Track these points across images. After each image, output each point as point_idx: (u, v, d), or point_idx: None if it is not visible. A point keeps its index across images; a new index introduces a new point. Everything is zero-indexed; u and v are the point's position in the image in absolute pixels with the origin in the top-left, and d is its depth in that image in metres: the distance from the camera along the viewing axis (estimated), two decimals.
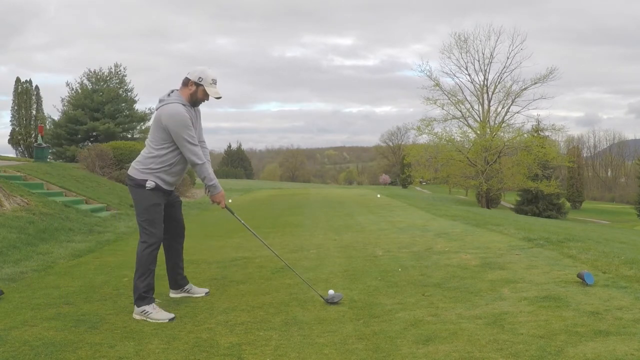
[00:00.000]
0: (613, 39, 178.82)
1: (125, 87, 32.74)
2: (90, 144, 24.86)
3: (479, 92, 38.53)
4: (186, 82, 3.84)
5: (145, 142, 3.88)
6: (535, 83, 36.02)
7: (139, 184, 3.78)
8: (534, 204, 37.47)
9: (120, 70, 32.75)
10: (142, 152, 3.88)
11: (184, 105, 3.78)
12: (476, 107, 38.83)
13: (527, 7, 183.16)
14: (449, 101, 37.76)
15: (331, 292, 3.94)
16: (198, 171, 3.82)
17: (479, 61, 37.98)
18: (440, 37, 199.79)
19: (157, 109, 3.81)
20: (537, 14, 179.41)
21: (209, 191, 3.90)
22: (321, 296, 3.92)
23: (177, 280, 4.18)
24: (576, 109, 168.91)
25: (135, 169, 3.84)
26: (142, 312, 3.60)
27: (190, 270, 5.34)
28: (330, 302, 3.80)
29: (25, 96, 35.49)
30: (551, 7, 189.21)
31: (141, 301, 3.64)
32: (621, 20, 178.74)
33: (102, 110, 30.27)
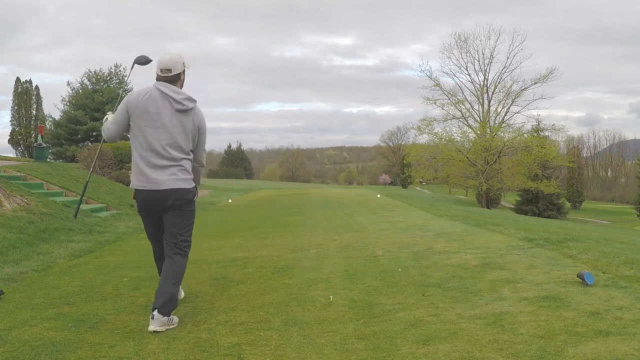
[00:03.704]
0: (614, 38, 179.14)
1: (125, 87, 32.78)
2: (90, 144, 24.88)
3: (479, 92, 38.56)
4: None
5: (173, 147, 3.55)
6: (535, 83, 36.07)
7: (194, 195, 3.70)
8: (534, 204, 37.47)
9: (120, 71, 32.83)
10: (174, 158, 3.56)
11: (142, 90, 3.65)
12: (476, 107, 38.88)
13: (528, 7, 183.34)
14: (449, 101, 37.83)
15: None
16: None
17: (479, 61, 38.03)
18: (440, 37, 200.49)
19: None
20: (538, 14, 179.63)
21: None
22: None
23: None
24: (577, 109, 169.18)
25: (184, 179, 3.58)
26: (169, 320, 3.41)
27: (190, 270, 5.34)
28: None
29: (25, 96, 35.51)
30: (552, 6, 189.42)
31: (172, 309, 3.48)
32: (622, 20, 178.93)
33: (102, 110, 30.30)
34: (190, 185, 3.61)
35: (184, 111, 3.56)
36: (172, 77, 3.62)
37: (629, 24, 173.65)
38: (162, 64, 3.61)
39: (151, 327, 3.33)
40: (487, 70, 38.35)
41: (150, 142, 3.52)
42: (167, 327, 3.38)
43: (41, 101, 36.66)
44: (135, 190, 3.61)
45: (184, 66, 3.68)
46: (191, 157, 3.67)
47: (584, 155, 75.66)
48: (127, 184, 16.51)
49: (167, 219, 3.62)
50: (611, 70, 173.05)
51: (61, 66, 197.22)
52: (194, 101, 3.64)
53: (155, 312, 3.34)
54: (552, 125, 38.46)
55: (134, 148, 3.60)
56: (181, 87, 3.69)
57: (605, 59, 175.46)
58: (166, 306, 3.39)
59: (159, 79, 3.63)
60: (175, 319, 3.49)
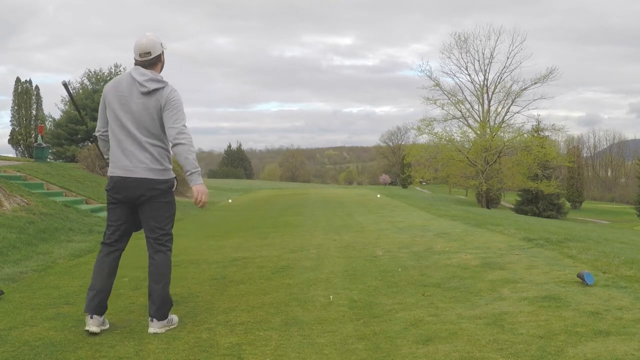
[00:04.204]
0: (615, 38, 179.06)
1: None
2: (90, 144, 24.85)
3: (479, 92, 38.60)
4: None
5: (142, 131, 3.38)
6: (535, 83, 36.14)
7: (171, 187, 3.51)
8: (534, 204, 37.48)
9: (120, 71, 32.78)
10: (143, 144, 3.38)
11: (116, 78, 3.56)
12: (476, 107, 38.92)
13: (528, 6, 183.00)
14: (449, 101, 37.89)
15: None
16: None
17: (479, 61, 38.09)
18: (441, 37, 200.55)
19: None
20: (538, 13, 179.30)
21: None
22: None
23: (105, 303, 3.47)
24: (577, 109, 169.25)
25: (154, 169, 3.40)
26: (168, 321, 3.41)
27: (190, 270, 5.35)
28: None
29: (25, 96, 35.49)
30: (552, 6, 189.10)
31: (168, 310, 3.45)
32: (622, 20, 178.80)
33: None
34: (162, 176, 3.42)
35: (148, 93, 3.35)
36: (152, 60, 3.43)
37: (629, 24, 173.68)
38: (140, 48, 3.42)
39: (151, 330, 3.32)
40: (487, 70, 38.42)
41: (122, 126, 3.39)
42: (168, 328, 3.38)
43: (41, 101, 36.63)
44: (109, 177, 3.48)
45: (162, 47, 3.51)
46: (163, 144, 3.46)
47: (584, 155, 75.73)
48: None
49: (143, 213, 3.45)
50: (611, 70, 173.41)
51: (60, 66, 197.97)
52: (160, 82, 3.40)
53: (153, 318, 3.34)
54: (552, 125, 38.58)
55: (111, 134, 3.47)
56: (161, 69, 3.53)
57: (605, 58, 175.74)
58: (160, 311, 3.34)
59: (137, 63, 3.45)
60: (174, 318, 3.48)
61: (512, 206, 40.78)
